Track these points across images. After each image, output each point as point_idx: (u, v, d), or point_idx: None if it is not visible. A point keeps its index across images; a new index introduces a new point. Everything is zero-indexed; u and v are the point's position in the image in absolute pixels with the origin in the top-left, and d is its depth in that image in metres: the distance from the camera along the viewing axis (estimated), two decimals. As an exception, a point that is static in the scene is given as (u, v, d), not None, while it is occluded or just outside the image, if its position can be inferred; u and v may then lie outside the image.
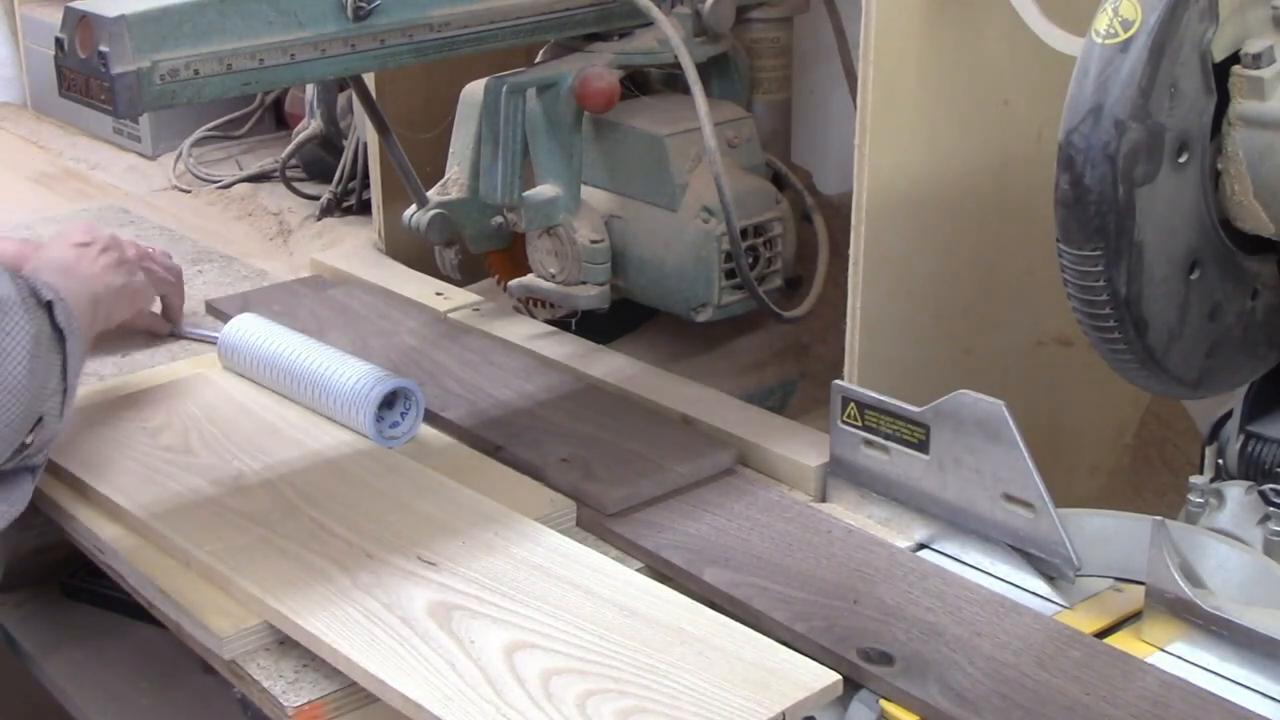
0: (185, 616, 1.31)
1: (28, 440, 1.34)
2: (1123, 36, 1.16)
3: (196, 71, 1.39)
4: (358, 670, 1.20)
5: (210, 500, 1.44)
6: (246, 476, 1.48)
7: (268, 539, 1.37)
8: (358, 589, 1.29)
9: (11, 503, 1.36)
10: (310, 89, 2.43)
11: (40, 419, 1.34)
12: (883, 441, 1.44)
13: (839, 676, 1.18)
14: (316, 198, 2.40)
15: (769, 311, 1.76)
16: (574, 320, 1.89)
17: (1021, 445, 1.31)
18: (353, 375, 1.57)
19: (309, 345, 1.65)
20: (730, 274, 1.76)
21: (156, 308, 1.84)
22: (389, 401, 1.57)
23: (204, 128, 2.73)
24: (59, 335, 1.36)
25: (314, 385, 1.60)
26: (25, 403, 1.32)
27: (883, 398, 1.43)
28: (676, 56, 1.67)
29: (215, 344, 1.74)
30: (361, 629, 1.23)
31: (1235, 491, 1.34)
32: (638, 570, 1.40)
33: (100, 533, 1.43)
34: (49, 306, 1.36)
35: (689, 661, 1.19)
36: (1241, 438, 1.39)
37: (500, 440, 1.58)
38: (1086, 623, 1.30)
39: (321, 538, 1.37)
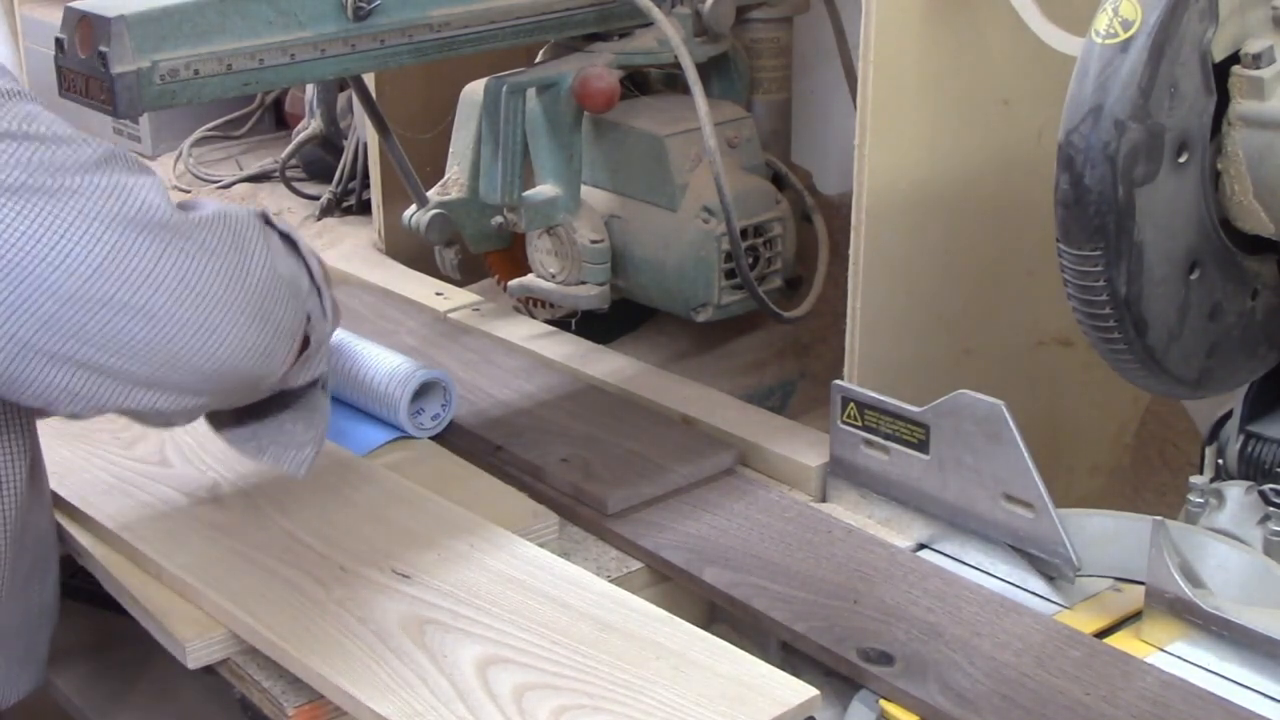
0: (153, 623, 1.30)
1: (308, 339, 1.27)
2: (1123, 36, 1.16)
3: (196, 71, 1.39)
4: (328, 685, 1.18)
5: (182, 512, 1.42)
6: (221, 488, 1.46)
7: (240, 551, 1.35)
8: (331, 602, 1.27)
9: (313, 424, 1.31)
10: (310, 89, 2.43)
11: (309, 317, 1.27)
12: (883, 441, 1.44)
13: (816, 691, 1.17)
14: (316, 198, 2.40)
15: (769, 311, 1.76)
16: (574, 320, 1.89)
17: (1021, 445, 1.31)
18: (390, 363, 1.59)
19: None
20: (730, 274, 1.76)
21: None
22: (421, 392, 1.59)
23: (204, 128, 2.73)
24: (288, 239, 1.28)
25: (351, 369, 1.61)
26: (287, 295, 1.23)
27: (883, 398, 1.43)
28: (676, 56, 1.67)
29: None
30: (334, 643, 1.22)
31: (1235, 491, 1.34)
32: (637, 570, 1.41)
33: (79, 538, 1.42)
34: (264, 217, 1.26)
35: (665, 676, 1.17)
36: (1241, 438, 1.39)
37: (500, 440, 1.58)
38: (1086, 623, 1.30)
39: (295, 550, 1.35)
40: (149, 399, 1.16)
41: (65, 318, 1.08)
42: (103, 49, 1.34)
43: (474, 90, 1.85)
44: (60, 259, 1.07)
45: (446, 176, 1.90)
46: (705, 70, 1.75)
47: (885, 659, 1.23)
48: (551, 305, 1.89)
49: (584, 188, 1.80)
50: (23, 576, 1.29)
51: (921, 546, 1.43)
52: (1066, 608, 1.32)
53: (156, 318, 1.11)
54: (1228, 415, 1.42)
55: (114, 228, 1.08)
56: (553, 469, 1.52)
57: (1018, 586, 1.35)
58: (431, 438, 1.61)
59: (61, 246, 1.07)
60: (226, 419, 1.33)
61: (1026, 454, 1.31)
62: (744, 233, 1.74)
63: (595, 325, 1.89)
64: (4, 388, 1.11)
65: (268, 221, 1.26)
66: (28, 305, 1.07)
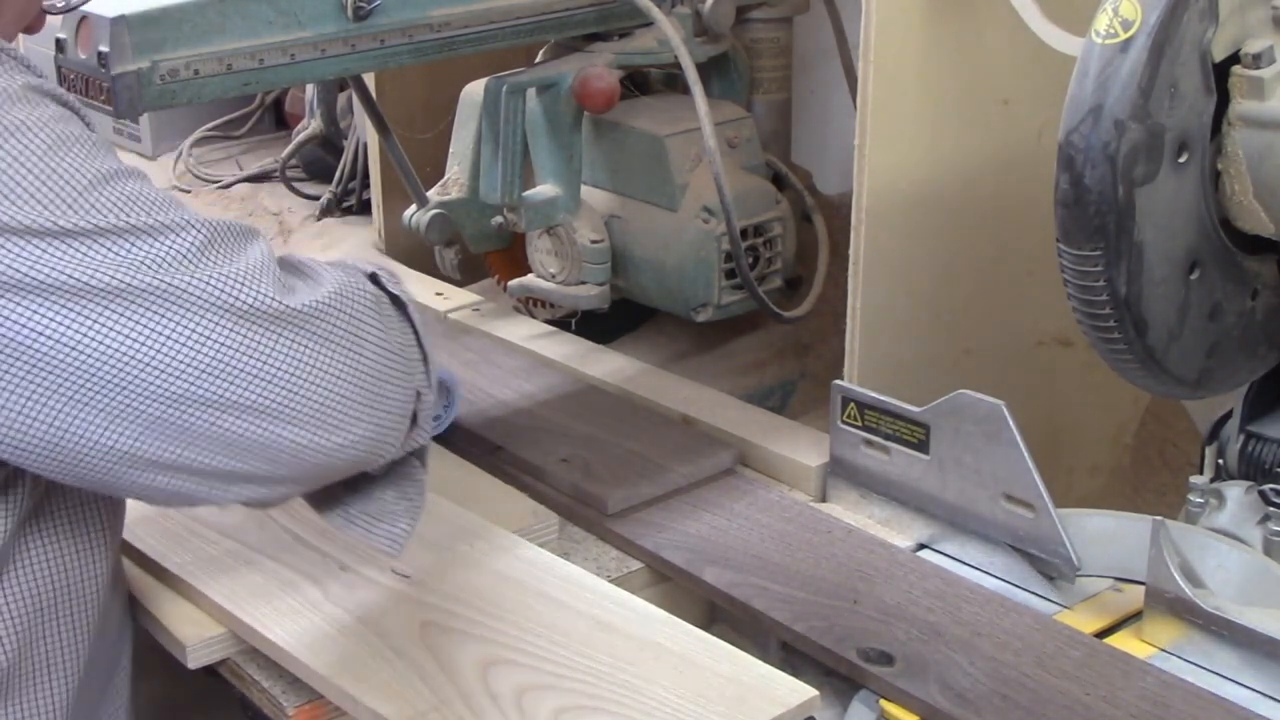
0: (153, 623, 1.30)
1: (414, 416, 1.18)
2: (1123, 36, 1.16)
3: (196, 71, 1.39)
4: (328, 685, 1.18)
5: (182, 512, 1.41)
6: None
7: (240, 551, 1.35)
8: (331, 602, 1.27)
9: (406, 493, 1.20)
10: (310, 89, 2.43)
11: (418, 394, 1.17)
12: (883, 441, 1.44)
13: (816, 692, 1.17)
14: (316, 198, 2.40)
15: (769, 311, 1.76)
16: (574, 320, 1.89)
17: (1021, 445, 1.31)
18: None
19: None
20: (730, 274, 1.76)
21: None
22: None
23: (204, 128, 2.73)
24: (396, 301, 1.19)
25: None
26: (399, 373, 1.14)
27: (883, 398, 1.43)
28: (676, 56, 1.67)
29: None
30: (333, 643, 1.22)
31: (1235, 491, 1.34)
32: (637, 570, 1.41)
33: None
34: (374, 278, 1.18)
35: (665, 677, 1.17)
36: (1241, 438, 1.39)
37: (500, 440, 1.58)
38: (1086, 623, 1.29)
39: (295, 550, 1.35)
40: (252, 492, 1.07)
41: (169, 420, 0.99)
42: (103, 49, 1.34)
43: (474, 90, 1.85)
44: (166, 362, 0.98)
45: (446, 176, 1.90)
46: (705, 70, 1.75)
47: (885, 659, 1.23)
48: (551, 305, 1.89)
49: (584, 188, 1.80)
50: (104, 663, 1.24)
51: (921, 546, 1.43)
52: (1066, 608, 1.32)
53: (268, 413, 1.02)
54: (1228, 415, 1.42)
55: (224, 322, 0.99)
56: (553, 469, 1.52)
57: (1018, 586, 1.35)
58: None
59: (167, 349, 0.98)
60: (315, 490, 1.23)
61: (1026, 454, 1.31)
62: (744, 233, 1.74)
63: (595, 325, 1.89)
64: (99, 489, 1.05)
65: (376, 280, 1.17)
66: (128, 413, 0.98)
